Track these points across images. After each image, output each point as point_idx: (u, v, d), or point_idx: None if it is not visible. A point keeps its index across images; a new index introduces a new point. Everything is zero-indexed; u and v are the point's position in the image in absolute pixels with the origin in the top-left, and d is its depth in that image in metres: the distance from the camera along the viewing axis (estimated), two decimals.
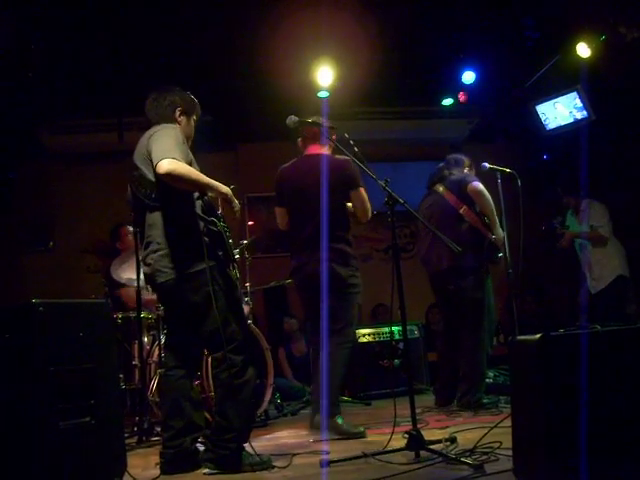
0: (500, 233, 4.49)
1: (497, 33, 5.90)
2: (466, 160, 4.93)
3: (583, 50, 5.78)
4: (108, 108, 6.58)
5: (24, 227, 7.33)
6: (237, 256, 3.12)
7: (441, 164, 4.97)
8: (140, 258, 3.31)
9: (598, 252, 5.69)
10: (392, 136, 7.67)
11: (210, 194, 2.95)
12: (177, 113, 3.11)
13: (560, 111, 6.53)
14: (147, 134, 2.98)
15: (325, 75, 6.11)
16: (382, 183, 3.13)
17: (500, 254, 4.57)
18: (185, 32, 5.52)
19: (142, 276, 4.22)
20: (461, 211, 4.58)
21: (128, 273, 4.64)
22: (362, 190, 3.90)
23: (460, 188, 4.60)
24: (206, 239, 2.87)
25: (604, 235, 5.61)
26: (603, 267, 5.67)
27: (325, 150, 4.04)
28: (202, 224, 2.91)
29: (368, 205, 3.95)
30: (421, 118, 7.59)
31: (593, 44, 5.73)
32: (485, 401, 4.48)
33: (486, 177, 4.59)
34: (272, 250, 7.29)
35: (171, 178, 2.76)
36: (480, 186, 4.53)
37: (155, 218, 2.95)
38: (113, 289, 4.97)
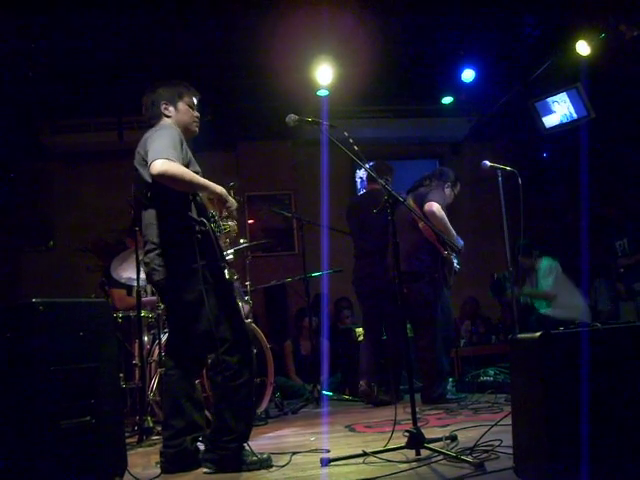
0: (458, 246, 4.72)
1: (497, 31, 5.90)
2: (452, 176, 5.09)
3: (583, 48, 5.78)
4: (108, 108, 6.59)
5: (24, 226, 7.33)
6: (231, 257, 3.09)
7: (427, 173, 5.14)
8: (141, 258, 3.31)
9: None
10: (392, 134, 7.67)
11: (204, 194, 2.95)
12: (162, 107, 3.08)
13: (559, 109, 6.52)
14: (145, 135, 2.98)
15: (325, 73, 6.10)
16: (382, 182, 3.13)
17: (458, 267, 4.83)
18: (185, 31, 5.52)
19: (142, 275, 4.26)
20: (420, 225, 4.74)
21: (128, 272, 4.64)
22: None
23: (422, 203, 4.79)
24: (198, 236, 2.87)
25: (551, 293, 6.02)
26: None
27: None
28: (194, 224, 2.90)
29: None
30: (421, 116, 7.59)
31: (593, 42, 5.72)
32: (448, 396, 4.72)
33: (487, 175, 4.60)
34: (272, 249, 7.28)
35: (164, 178, 2.74)
36: (433, 207, 4.65)
37: (150, 217, 2.96)
38: (111, 288, 4.97)
